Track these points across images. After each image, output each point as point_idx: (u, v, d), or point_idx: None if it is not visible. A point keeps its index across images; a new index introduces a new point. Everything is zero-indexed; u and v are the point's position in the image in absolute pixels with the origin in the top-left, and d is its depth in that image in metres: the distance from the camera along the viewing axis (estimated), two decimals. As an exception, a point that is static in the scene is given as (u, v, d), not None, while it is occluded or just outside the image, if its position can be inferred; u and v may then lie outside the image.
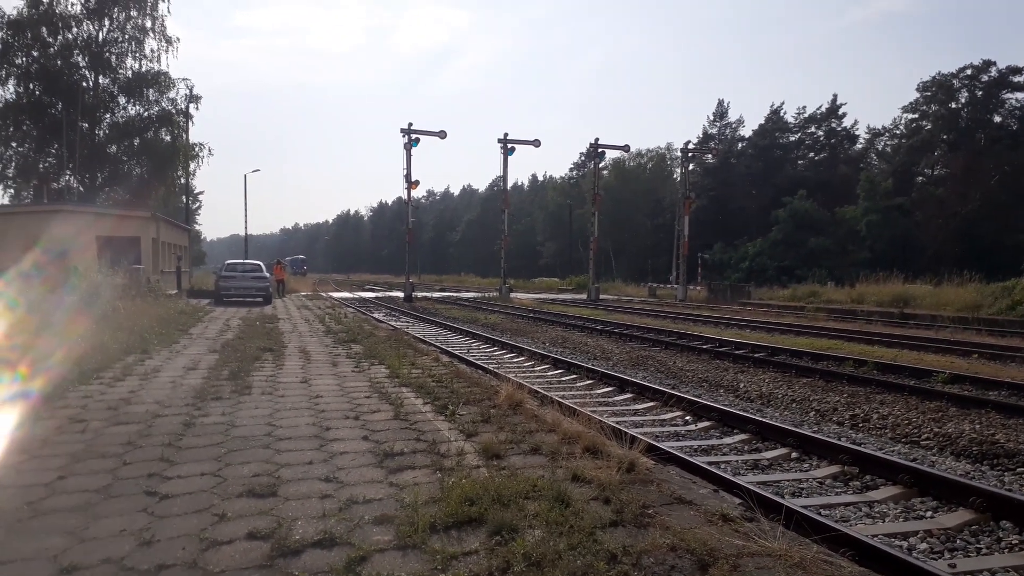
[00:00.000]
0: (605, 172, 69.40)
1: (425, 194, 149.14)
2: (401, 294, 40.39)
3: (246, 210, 60.67)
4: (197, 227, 72.38)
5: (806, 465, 7.14)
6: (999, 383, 10.90)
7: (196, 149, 47.23)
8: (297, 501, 4.27)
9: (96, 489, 4.44)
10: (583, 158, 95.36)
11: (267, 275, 29.46)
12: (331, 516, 4.00)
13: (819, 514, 5.21)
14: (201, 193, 76.06)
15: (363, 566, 3.35)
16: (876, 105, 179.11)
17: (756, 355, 14.79)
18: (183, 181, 47.99)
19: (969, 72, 55.30)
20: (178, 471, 4.85)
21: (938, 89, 56.85)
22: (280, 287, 35.17)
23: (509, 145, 41.90)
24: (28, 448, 5.35)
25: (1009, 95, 55.09)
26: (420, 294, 42.55)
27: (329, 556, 3.47)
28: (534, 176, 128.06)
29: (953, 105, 57.16)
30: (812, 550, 3.52)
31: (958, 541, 5.09)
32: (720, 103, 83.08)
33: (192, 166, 47.31)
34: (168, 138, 46.43)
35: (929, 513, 5.69)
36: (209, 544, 3.60)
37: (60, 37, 42.57)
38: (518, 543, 3.53)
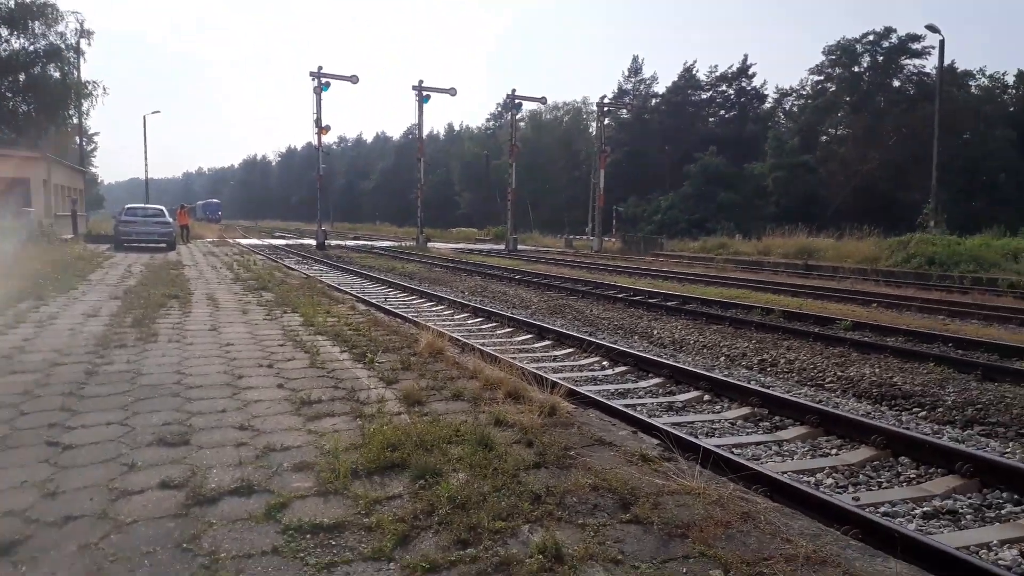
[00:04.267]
0: (522, 124, 68.92)
1: (338, 140, 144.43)
2: (313, 242, 39.45)
3: (146, 153, 57.25)
4: (94, 170, 68.26)
5: (718, 407, 7.39)
6: (896, 330, 11.55)
7: (89, 87, 44.01)
8: (211, 449, 4.11)
9: (-11, 441, 4.15)
10: (500, 109, 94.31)
11: (170, 220, 28.15)
12: (248, 464, 3.87)
13: (732, 453, 5.41)
14: (97, 135, 71.50)
15: (283, 512, 3.26)
16: (784, 66, 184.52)
17: (669, 304, 15.18)
18: (75, 121, 44.84)
19: (871, 38, 57.24)
20: (82, 420, 4.59)
21: (842, 53, 58.65)
22: (184, 233, 33.73)
23: (424, 92, 40.97)
24: (-92, 399, 4.95)
25: (907, 61, 57.48)
26: (334, 242, 41.67)
27: (248, 503, 3.36)
28: (450, 126, 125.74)
29: (856, 69, 59.20)
30: (729, 488, 3.64)
31: (861, 476, 5.39)
32: (635, 59, 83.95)
33: (85, 105, 44.06)
34: (57, 75, 43.08)
35: (834, 451, 6.00)
36: (119, 494, 3.42)
37: (-70, -38, 38.66)
38: (442, 486, 3.50)
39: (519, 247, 43.53)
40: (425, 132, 45.66)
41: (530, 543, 2.97)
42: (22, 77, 42.37)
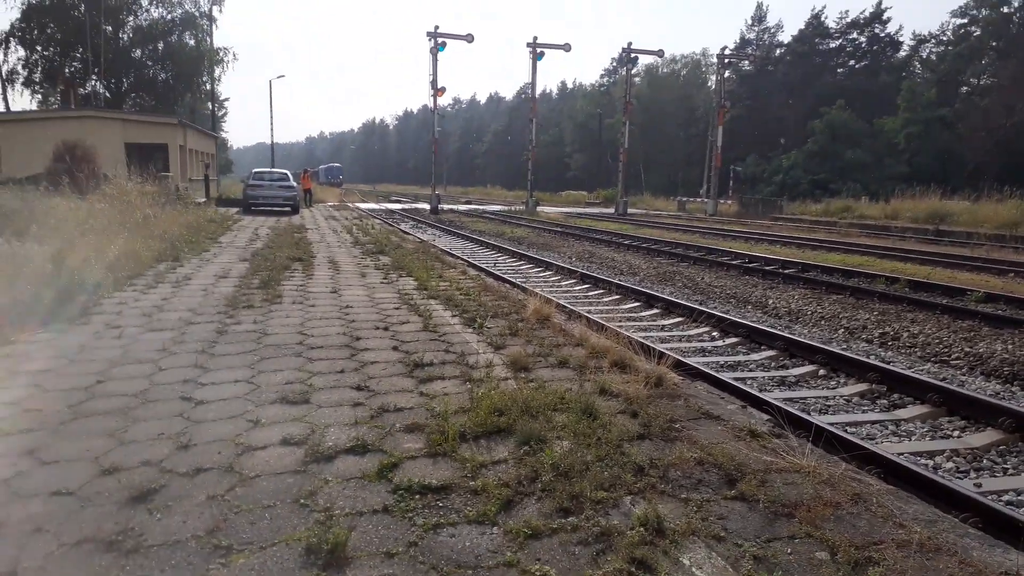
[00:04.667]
0: (637, 79, 67.18)
1: (452, 102, 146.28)
2: (427, 206, 40.27)
3: (272, 118, 60.44)
4: (223, 135, 72.10)
5: (833, 383, 7.13)
6: (1035, 303, 10.69)
7: (221, 54, 46.59)
8: (329, 408, 4.35)
9: (133, 394, 4.55)
10: (615, 64, 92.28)
11: (295, 184, 29.40)
12: (363, 424, 4.08)
13: (845, 431, 5.22)
14: (227, 100, 75.45)
15: (395, 472, 3.43)
16: (924, 8, 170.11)
17: (786, 271, 14.62)
18: (208, 87, 47.55)
19: (1026, -28, 51.96)
20: (212, 378, 4.95)
21: (990, -9, 53.59)
22: (307, 196, 35.18)
23: (538, 50, 40.51)
24: (66, 353, 5.49)
25: (1065, -3, 51.88)
26: (446, 206, 42.39)
27: (362, 462, 3.55)
28: (563, 84, 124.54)
29: (1005, 9, 53.90)
30: (840, 468, 3.52)
31: (985, 461, 5.09)
32: (759, 6, 78.83)
33: (217, 71, 46.79)
34: (192, 42, 45.78)
35: (956, 432, 5.68)
36: (244, 449, 3.69)
37: (80, -64, 41.56)
38: (546, 453, 3.58)
39: (629, 211, 42.87)
40: (538, 91, 45.41)
41: (632, 515, 3.00)
42: (160, 45, 45.19)
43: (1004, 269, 15.47)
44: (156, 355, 5.50)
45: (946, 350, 8.35)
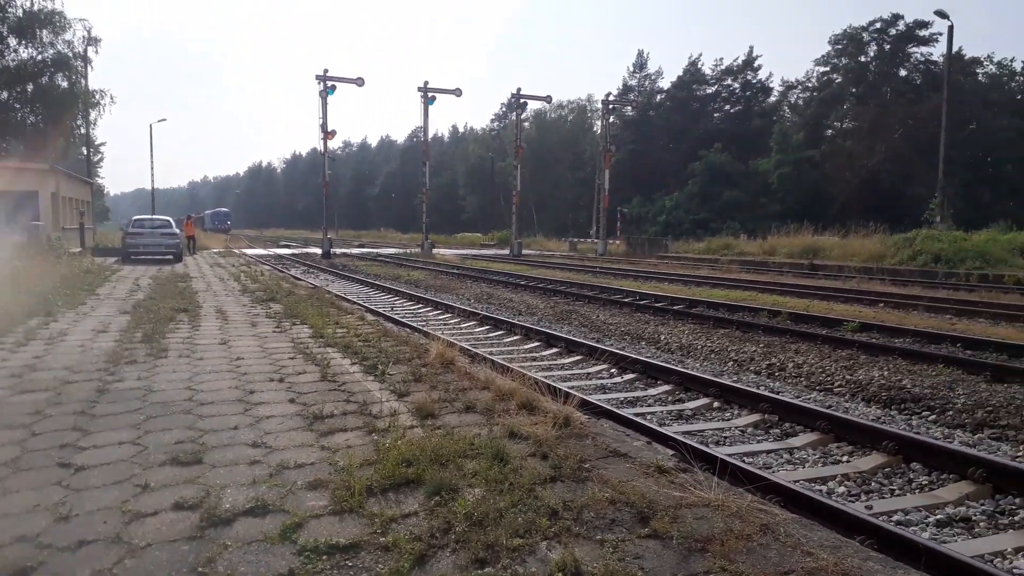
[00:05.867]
0: (527, 124, 68.85)
1: (342, 144, 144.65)
2: (319, 250, 39.49)
3: (152, 162, 58.00)
4: (100, 181, 68.60)
5: (728, 414, 7.36)
6: (904, 330, 11.50)
7: (96, 96, 44.14)
8: (225, 468, 4.10)
9: (3, 463, 4.14)
10: (504, 109, 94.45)
11: (177, 231, 28.20)
12: (262, 483, 3.86)
13: (744, 462, 5.38)
14: (103, 144, 71.82)
15: (299, 533, 3.25)
16: (791, 57, 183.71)
17: (675, 307, 15.15)
18: (83, 131, 45.01)
19: (878, 25, 56.74)
20: (93, 440, 4.58)
21: (848, 42, 58.13)
22: (191, 244, 33.82)
23: (430, 94, 40.99)
24: (-78, 421, 4.96)
25: (914, 49, 56.93)
26: (339, 250, 41.70)
27: (263, 524, 3.35)
28: (455, 127, 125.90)
29: (862, 59, 58.72)
30: (747, 499, 3.61)
31: (873, 484, 5.36)
32: (640, 53, 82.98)
33: (93, 115, 44.27)
34: (65, 84, 43.20)
35: (845, 457, 5.96)
36: (133, 517, 3.41)
37: (-63, -28, 38.93)
38: (459, 503, 3.49)
39: (523, 251, 43.55)
40: (430, 134, 45.69)
41: (549, 561, 2.95)
42: (30, 87, 42.49)
43: (874, 299, 16.63)
44: (29, 419, 5.05)
45: (829, 378, 8.82)
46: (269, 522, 3.37)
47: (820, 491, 5.09)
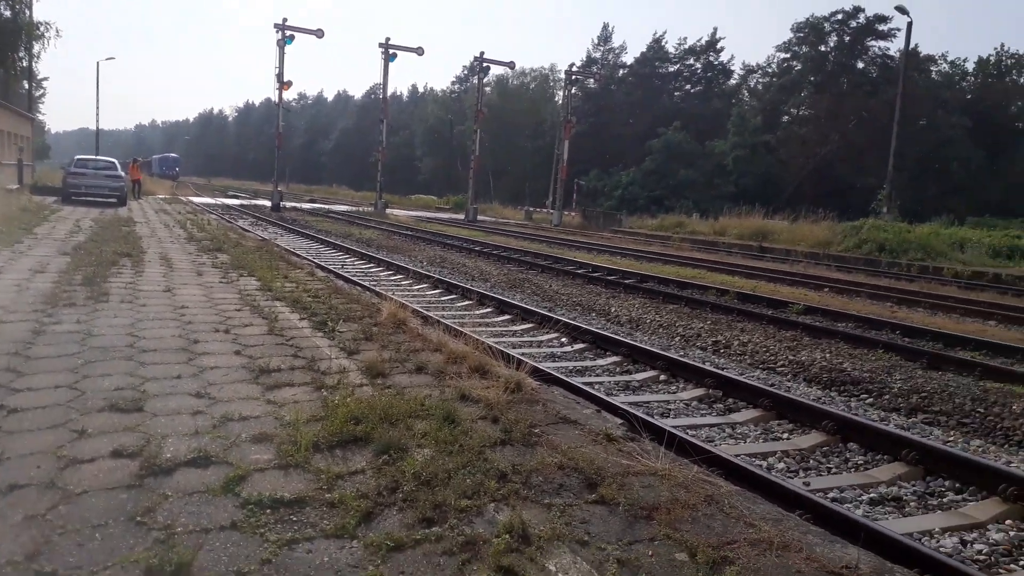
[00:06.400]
0: (488, 89, 68.07)
1: (296, 96, 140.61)
2: (268, 203, 38.66)
3: (98, 102, 55.56)
4: (41, 117, 65.52)
5: (674, 387, 7.48)
6: (847, 315, 11.83)
7: (41, 29, 41.99)
8: (166, 417, 3.99)
9: (-72, 402, 3.96)
10: (466, 72, 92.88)
11: (122, 174, 27.27)
12: (205, 433, 3.77)
13: (687, 434, 5.47)
14: (46, 80, 68.41)
15: (242, 485, 3.18)
16: (753, 41, 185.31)
17: (626, 281, 15.27)
18: (25, 64, 42.85)
19: (840, 16, 57.46)
20: (28, 383, 4.41)
21: (810, 31, 58.73)
22: (136, 188, 32.72)
23: (391, 51, 40.16)
24: None
25: (873, 42, 57.85)
26: (289, 204, 40.85)
27: (204, 475, 3.27)
28: (414, 87, 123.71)
29: (822, 48, 59.48)
30: (692, 471, 3.67)
31: (811, 461, 5.52)
32: (605, 27, 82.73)
33: (36, 47, 42.08)
34: (8, 13, 41.00)
35: (786, 435, 6.12)
36: (68, 463, 3.30)
37: None
38: (407, 462, 3.46)
39: (479, 217, 43.30)
40: (389, 92, 44.86)
41: (496, 522, 2.95)
42: (-31, 16, 40.29)
43: (820, 284, 17.04)
44: (-45, 358, 4.84)
45: (772, 358, 9.02)
46: (212, 473, 3.29)
47: (761, 466, 5.21)
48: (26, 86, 44.88)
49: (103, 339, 5.65)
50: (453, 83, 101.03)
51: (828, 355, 8.94)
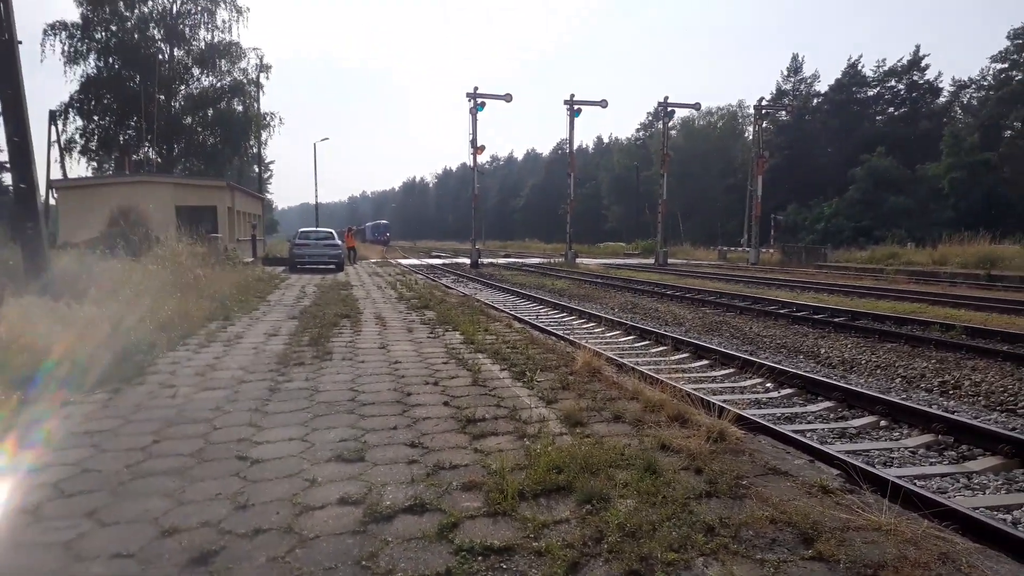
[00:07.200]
0: (674, 132, 67.71)
1: (490, 159, 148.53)
2: (467, 260, 40.58)
3: (316, 178, 61.97)
4: (269, 196, 74.19)
5: (896, 434, 6.86)
6: (1105, 349, 10.24)
7: (267, 119, 48.17)
8: (385, 466, 4.29)
9: (189, 453, 4.55)
10: (650, 118, 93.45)
11: (339, 243, 29.88)
12: (419, 481, 4.01)
13: (915, 485, 4.98)
14: (272, 162, 77.84)
15: (455, 532, 3.34)
16: (963, 56, 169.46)
17: (836, 320, 14.28)
18: (255, 151, 49.05)
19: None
20: (267, 436, 4.94)
21: (1030, 36, 53.10)
22: (352, 254, 35.72)
23: (576, 107, 41.19)
24: (123, 413, 5.54)
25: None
26: (486, 260, 42.67)
27: (421, 522, 3.47)
28: (599, 138, 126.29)
29: (1046, 53, 53.40)
30: (922, 525, 3.34)
31: (1069, 516, 4.80)
32: (795, 57, 79.92)
33: (264, 135, 48.31)
34: (240, 108, 47.48)
35: (1035, 485, 5.38)
36: (302, 509, 3.64)
37: (136, 11, 43.85)
38: (611, 512, 3.46)
39: (669, 260, 42.66)
40: (575, 146, 45.91)
41: (705, 578, 2.86)
42: (210, 112, 47.10)
43: (1066, 314, 14.92)
44: (210, 414, 5.53)
45: (1012, 399, 8.00)
46: (427, 520, 3.48)
47: (1005, 520, 4.61)
48: (256, 170, 51.09)
49: (328, 394, 6.21)
50: (637, 130, 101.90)
51: (1087, 395, 7.77)
